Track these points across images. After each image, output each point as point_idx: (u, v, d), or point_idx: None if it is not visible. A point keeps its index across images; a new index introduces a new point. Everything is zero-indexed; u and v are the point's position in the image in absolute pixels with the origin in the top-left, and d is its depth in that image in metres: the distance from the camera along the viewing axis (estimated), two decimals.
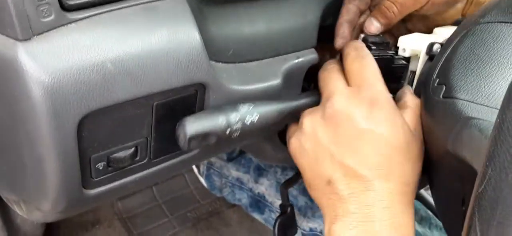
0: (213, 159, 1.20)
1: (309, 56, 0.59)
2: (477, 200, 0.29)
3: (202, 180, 1.26)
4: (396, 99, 0.54)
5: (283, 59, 0.58)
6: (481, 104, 0.42)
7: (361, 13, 0.61)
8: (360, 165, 0.48)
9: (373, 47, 0.55)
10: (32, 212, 0.52)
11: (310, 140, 0.51)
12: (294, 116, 0.56)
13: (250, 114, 0.51)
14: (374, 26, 0.58)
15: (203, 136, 0.48)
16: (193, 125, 0.47)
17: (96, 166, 0.47)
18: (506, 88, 0.41)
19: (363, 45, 0.55)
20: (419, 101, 0.52)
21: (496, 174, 0.28)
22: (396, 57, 0.56)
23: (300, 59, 0.58)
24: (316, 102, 0.55)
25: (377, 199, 0.47)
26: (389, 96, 0.51)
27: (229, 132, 0.49)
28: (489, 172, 0.28)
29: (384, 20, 0.58)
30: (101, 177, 0.48)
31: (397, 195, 0.48)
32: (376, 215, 0.47)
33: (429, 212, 0.86)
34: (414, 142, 0.49)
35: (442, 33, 0.56)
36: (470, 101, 0.43)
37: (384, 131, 0.48)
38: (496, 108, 0.42)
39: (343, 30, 0.59)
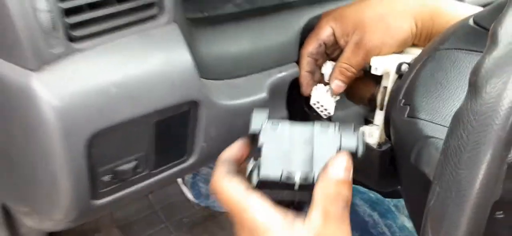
0: None
1: (291, 69, 0.65)
2: (428, 213, 0.35)
3: (185, 189, 1.25)
4: None
5: (267, 74, 0.63)
6: (439, 124, 0.48)
7: (319, 63, 0.65)
8: None
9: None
10: (44, 221, 0.57)
11: None
12: None
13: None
14: (337, 86, 0.62)
15: None
16: None
17: (103, 178, 0.52)
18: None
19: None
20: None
21: (443, 191, 0.33)
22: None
23: (283, 74, 0.64)
24: None
25: None
26: None
27: None
28: (437, 189, 0.34)
29: (345, 78, 0.62)
30: (107, 188, 0.53)
31: None
32: None
33: None
34: None
35: (412, 52, 0.62)
36: (430, 121, 0.48)
37: None
38: None
39: (306, 81, 0.64)
